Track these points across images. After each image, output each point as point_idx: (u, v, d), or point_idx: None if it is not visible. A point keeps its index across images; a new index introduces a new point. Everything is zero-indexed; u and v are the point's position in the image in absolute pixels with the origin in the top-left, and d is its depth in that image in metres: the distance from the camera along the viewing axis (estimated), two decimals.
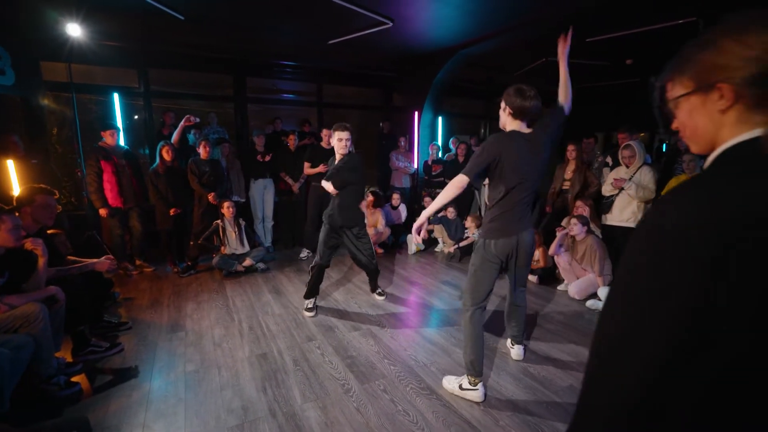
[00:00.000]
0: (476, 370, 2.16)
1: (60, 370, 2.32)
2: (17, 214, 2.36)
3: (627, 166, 3.82)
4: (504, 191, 2.06)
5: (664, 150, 9.32)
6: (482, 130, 8.99)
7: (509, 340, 2.69)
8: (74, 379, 2.34)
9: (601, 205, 3.96)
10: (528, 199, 2.11)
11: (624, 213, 3.81)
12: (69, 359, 2.54)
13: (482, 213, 5.91)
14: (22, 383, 2.04)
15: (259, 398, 2.20)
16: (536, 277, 4.09)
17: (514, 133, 2.07)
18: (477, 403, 2.14)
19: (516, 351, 2.63)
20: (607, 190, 3.87)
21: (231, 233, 4.48)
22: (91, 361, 2.57)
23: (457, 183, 2.04)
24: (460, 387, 2.20)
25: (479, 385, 2.16)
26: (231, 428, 1.96)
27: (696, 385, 0.47)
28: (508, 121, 2.11)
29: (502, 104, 2.10)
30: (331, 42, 5.53)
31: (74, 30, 4.09)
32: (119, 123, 4.96)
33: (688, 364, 0.46)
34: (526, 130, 2.09)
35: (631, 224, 3.79)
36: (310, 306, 3.35)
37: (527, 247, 2.17)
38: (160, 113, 5.68)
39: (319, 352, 2.71)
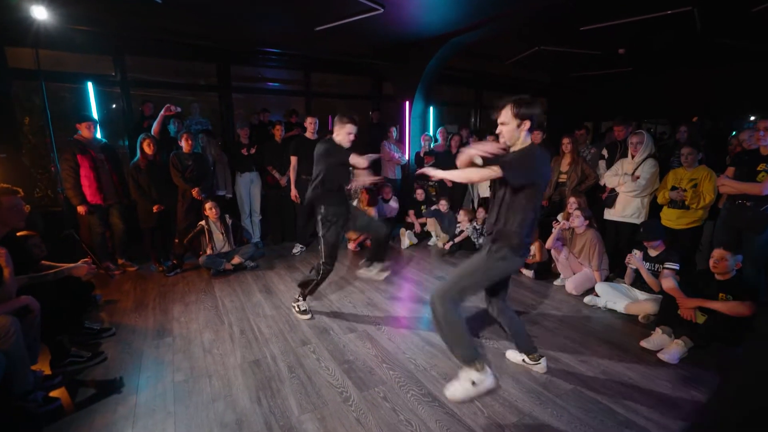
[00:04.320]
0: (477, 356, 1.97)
1: (37, 384, 2.17)
2: None
3: (633, 155, 3.77)
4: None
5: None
6: (472, 119, 8.89)
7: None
8: (53, 393, 2.19)
9: (605, 200, 3.94)
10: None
11: (627, 209, 3.79)
12: (47, 371, 2.38)
13: (475, 206, 5.84)
14: None
15: (254, 410, 2.09)
16: (532, 271, 4.05)
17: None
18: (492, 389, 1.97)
19: (541, 366, 2.43)
20: (612, 182, 3.84)
21: (217, 234, 4.30)
22: (72, 373, 2.42)
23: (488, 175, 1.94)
24: (473, 383, 1.90)
25: (486, 367, 1.93)
26: None
27: None
28: (523, 137, 1.97)
29: (512, 118, 1.92)
30: (318, 29, 5.30)
31: (40, 13, 3.78)
32: (95, 114, 4.67)
33: None
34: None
35: (635, 220, 3.75)
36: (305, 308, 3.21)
37: None
38: (138, 103, 5.39)
39: (314, 357, 2.61)
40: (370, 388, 2.27)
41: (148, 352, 2.67)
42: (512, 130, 1.94)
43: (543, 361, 2.42)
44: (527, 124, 1.92)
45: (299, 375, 2.40)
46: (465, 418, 2.02)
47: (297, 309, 3.20)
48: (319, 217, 2.99)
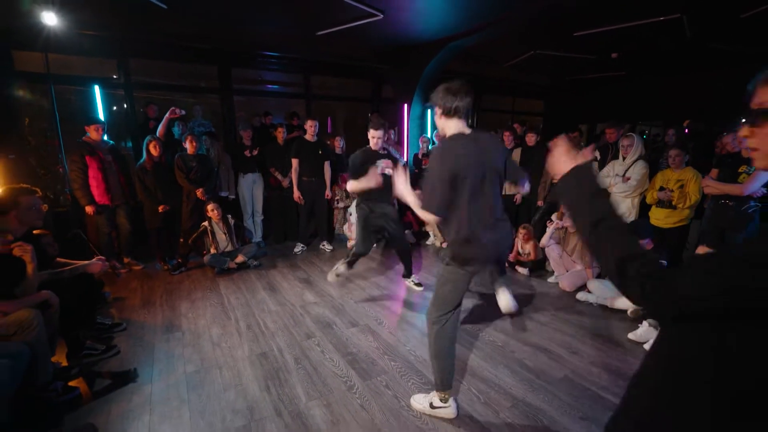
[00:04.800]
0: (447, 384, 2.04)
1: (56, 375, 2.28)
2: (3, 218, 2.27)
3: (624, 157, 3.92)
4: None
5: (644, 138, 9.59)
6: (469, 120, 9.02)
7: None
8: (72, 383, 2.31)
9: None
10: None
11: (618, 209, 3.93)
12: (64, 363, 2.50)
13: None
14: (19, 391, 1.99)
15: (264, 398, 2.22)
16: (527, 269, 4.20)
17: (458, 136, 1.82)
18: (450, 420, 2.04)
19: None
20: (604, 183, 3.98)
21: (220, 234, 4.41)
22: (88, 365, 2.53)
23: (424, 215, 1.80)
24: (431, 405, 2.06)
25: (450, 401, 2.05)
26: (238, 429, 1.98)
27: None
28: (446, 125, 1.86)
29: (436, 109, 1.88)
30: (319, 33, 5.43)
31: (50, 19, 3.90)
32: (101, 116, 4.78)
33: None
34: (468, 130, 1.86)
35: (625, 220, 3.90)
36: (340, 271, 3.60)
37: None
38: (141, 105, 5.49)
39: (319, 349, 2.74)
40: (372, 378, 2.40)
41: (159, 346, 2.79)
42: (436, 118, 1.90)
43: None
44: (438, 110, 1.85)
45: (305, 366, 2.53)
46: (463, 404, 2.15)
47: (335, 268, 3.58)
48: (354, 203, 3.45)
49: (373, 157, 3.44)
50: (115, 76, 5.32)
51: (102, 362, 2.59)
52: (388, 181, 3.40)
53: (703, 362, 0.73)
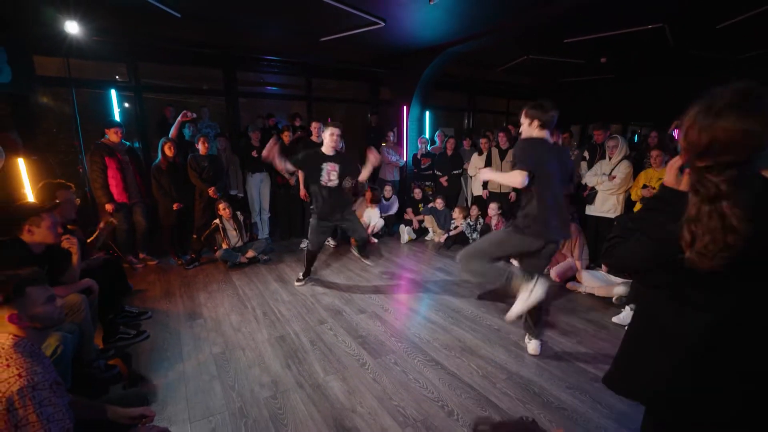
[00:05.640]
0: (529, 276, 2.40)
1: (98, 355, 2.53)
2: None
3: (610, 157, 4.23)
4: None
5: (636, 141, 9.95)
6: (465, 121, 9.34)
7: (525, 336, 2.81)
8: (110, 363, 2.55)
9: (586, 197, 4.38)
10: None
11: (605, 205, 4.24)
12: (101, 346, 2.74)
13: (468, 204, 6.27)
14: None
15: (285, 374, 2.48)
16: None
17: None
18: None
19: (533, 345, 2.72)
20: (592, 182, 4.29)
21: (231, 231, 4.66)
22: (122, 347, 2.78)
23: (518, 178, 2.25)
24: (530, 293, 2.39)
25: (533, 282, 2.38)
26: (266, 398, 2.24)
27: None
28: (535, 133, 2.35)
29: (526, 119, 2.36)
30: (323, 39, 5.68)
31: (72, 28, 4.13)
32: (117, 118, 5.01)
33: None
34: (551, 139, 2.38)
35: (611, 215, 4.21)
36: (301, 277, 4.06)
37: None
38: (156, 107, 5.72)
39: (331, 333, 3.00)
40: (382, 356, 2.67)
41: (185, 331, 3.04)
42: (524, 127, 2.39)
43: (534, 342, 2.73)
44: (536, 122, 2.33)
45: (320, 347, 2.79)
46: (464, 377, 2.43)
47: (298, 279, 4.06)
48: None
49: (321, 158, 3.57)
50: (118, 77, 5.55)
51: (134, 345, 2.83)
52: (335, 194, 3.64)
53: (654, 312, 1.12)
